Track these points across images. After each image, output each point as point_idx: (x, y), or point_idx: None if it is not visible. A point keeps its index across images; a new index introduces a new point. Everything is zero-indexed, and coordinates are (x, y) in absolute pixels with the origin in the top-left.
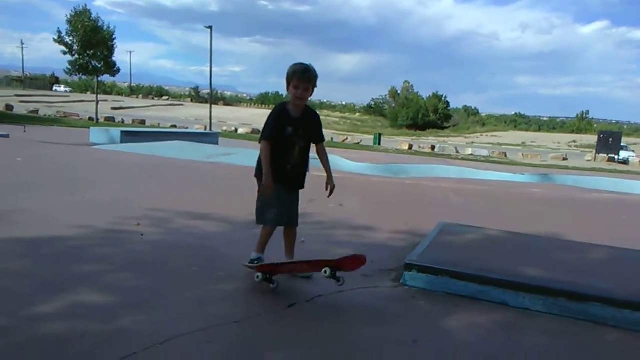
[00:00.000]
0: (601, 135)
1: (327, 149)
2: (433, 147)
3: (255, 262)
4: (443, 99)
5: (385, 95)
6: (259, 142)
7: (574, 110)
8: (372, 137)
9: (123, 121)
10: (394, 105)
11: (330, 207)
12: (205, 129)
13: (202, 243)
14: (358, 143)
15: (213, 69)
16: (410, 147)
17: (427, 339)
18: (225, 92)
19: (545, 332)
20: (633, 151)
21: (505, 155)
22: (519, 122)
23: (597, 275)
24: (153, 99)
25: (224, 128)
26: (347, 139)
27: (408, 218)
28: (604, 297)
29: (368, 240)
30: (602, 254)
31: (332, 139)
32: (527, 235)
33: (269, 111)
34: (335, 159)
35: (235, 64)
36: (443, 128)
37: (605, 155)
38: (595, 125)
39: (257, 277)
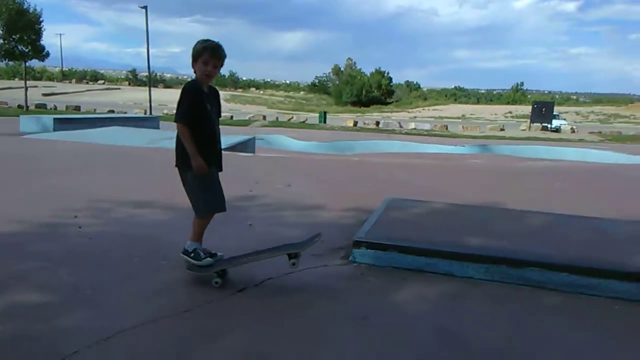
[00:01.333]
0: (535, 106)
1: (274, 129)
2: (377, 123)
3: (192, 255)
4: (386, 75)
5: (329, 73)
6: (176, 123)
7: (509, 82)
8: (317, 115)
9: (56, 108)
10: (337, 82)
11: (277, 187)
12: (145, 113)
13: (145, 232)
14: (303, 122)
15: (151, 51)
16: (355, 123)
17: (377, 314)
18: (165, 74)
19: (489, 299)
20: (564, 119)
21: (447, 128)
22: (458, 95)
23: (536, 242)
24: (87, 83)
25: (165, 111)
26: (292, 117)
27: (355, 195)
28: (542, 262)
29: (317, 220)
30: (540, 221)
31: (277, 118)
32: (470, 206)
33: None
34: (282, 139)
35: (175, 44)
36: (387, 104)
37: (539, 124)
38: (529, 96)
39: (216, 282)
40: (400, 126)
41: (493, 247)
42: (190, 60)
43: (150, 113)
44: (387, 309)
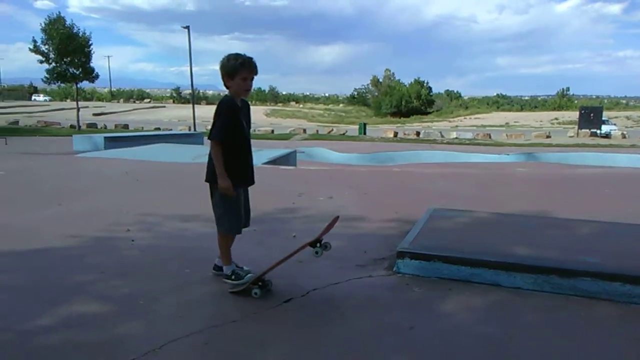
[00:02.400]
0: (582, 111)
1: (314, 141)
2: (418, 133)
3: (233, 277)
4: (425, 84)
5: (368, 85)
6: (210, 139)
7: (554, 87)
8: (357, 127)
9: (105, 127)
10: (376, 94)
11: (320, 200)
12: (189, 129)
13: (194, 245)
14: (343, 134)
15: (193, 69)
16: (396, 134)
17: (423, 325)
18: (207, 92)
19: (539, 310)
20: (615, 125)
21: (490, 137)
22: (501, 103)
23: (586, 251)
24: (134, 102)
25: (208, 127)
26: (332, 130)
27: (398, 206)
28: (593, 271)
29: (359, 231)
30: (590, 229)
31: (317, 131)
32: (516, 215)
33: (253, 108)
34: (322, 151)
35: (216, 62)
36: (427, 113)
37: (588, 130)
38: (575, 102)
39: (255, 293)
40: (442, 136)
41: (541, 256)
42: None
43: (194, 129)
44: (433, 319)
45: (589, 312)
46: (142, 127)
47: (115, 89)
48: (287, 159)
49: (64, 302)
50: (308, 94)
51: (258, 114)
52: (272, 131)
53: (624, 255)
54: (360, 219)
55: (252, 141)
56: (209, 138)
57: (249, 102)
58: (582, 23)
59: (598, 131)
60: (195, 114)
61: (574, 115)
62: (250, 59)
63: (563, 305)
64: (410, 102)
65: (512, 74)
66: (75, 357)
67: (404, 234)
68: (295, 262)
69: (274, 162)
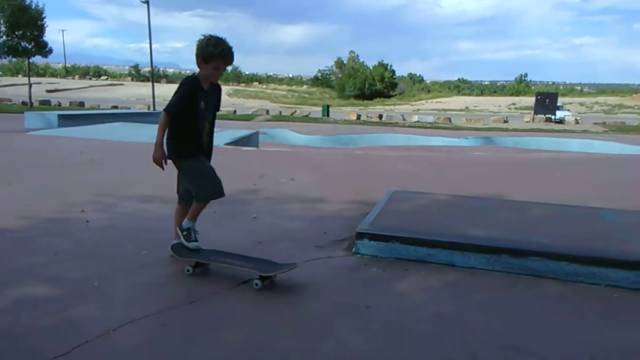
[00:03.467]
0: (538, 97)
1: (277, 123)
2: (380, 116)
3: (184, 232)
4: (389, 67)
5: (332, 66)
6: (165, 112)
7: (513, 73)
8: (320, 109)
9: (60, 104)
10: (340, 76)
11: (281, 181)
12: (149, 108)
13: (151, 226)
14: (307, 115)
15: (153, 46)
16: (359, 117)
17: (379, 304)
18: (168, 70)
19: (490, 288)
20: (569, 110)
21: (450, 121)
22: (462, 87)
23: (537, 232)
24: (90, 79)
25: None
26: (295, 111)
27: (359, 188)
28: (542, 251)
29: (320, 212)
30: (541, 211)
31: (280, 112)
32: (472, 197)
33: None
34: (285, 133)
35: (177, 39)
36: (390, 96)
37: (543, 115)
38: (533, 87)
39: (188, 270)
40: (404, 119)
41: (494, 237)
42: (193, 56)
43: (154, 108)
44: (390, 298)
45: (537, 290)
46: (99, 105)
47: (70, 65)
48: (249, 140)
49: (14, 284)
50: (272, 74)
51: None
52: (235, 112)
53: (571, 236)
54: (321, 201)
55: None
56: (163, 110)
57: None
58: (542, 10)
59: (553, 117)
60: (155, 93)
61: (531, 100)
62: (230, 49)
63: (513, 283)
64: (374, 85)
65: (473, 59)
66: (26, 340)
67: (364, 216)
68: (254, 243)
69: (236, 143)
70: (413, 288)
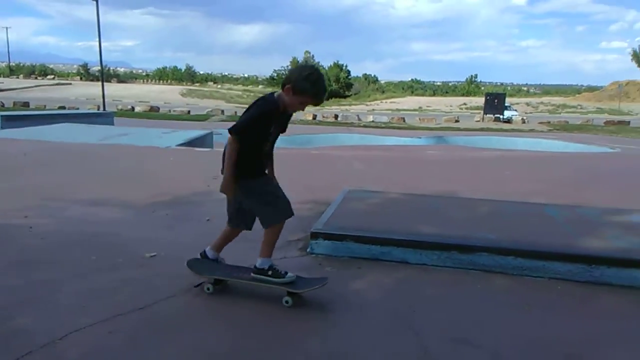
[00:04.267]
0: (487, 97)
1: (231, 123)
2: (336, 116)
3: (269, 272)
4: (344, 68)
5: (288, 66)
6: (229, 132)
7: (464, 74)
8: None
9: (3, 105)
10: None
11: None
12: (98, 108)
13: (101, 231)
14: None
15: (103, 44)
16: (314, 117)
17: (333, 303)
18: (119, 69)
19: (441, 284)
20: (516, 110)
21: (404, 120)
22: (415, 87)
23: (485, 228)
24: (36, 78)
25: (119, 107)
26: None
27: (314, 188)
28: (490, 247)
29: None
30: (490, 208)
31: (236, 112)
32: (425, 195)
33: (168, 87)
34: None
35: (128, 38)
36: (345, 97)
37: (492, 115)
38: (482, 88)
39: (208, 288)
40: (359, 119)
41: (445, 234)
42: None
43: (104, 109)
44: (343, 296)
45: (486, 284)
46: (45, 106)
47: (14, 64)
48: (203, 141)
49: None
50: (227, 74)
51: (173, 94)
52: (189, 112)
53: (518, 232)
54: None
55: (167, 122)
56: (229, 130)
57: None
58: (490, 13)
59: (501, 116)
60: (105, 93)
61: (481, 101)
62: (325, 92)
63: (463, 279)
64: (329, 85)
65: (426, 60)
66: None
67: (319, 215)
68: (208, 246)
69: (189, 143)
70: (366, 286)
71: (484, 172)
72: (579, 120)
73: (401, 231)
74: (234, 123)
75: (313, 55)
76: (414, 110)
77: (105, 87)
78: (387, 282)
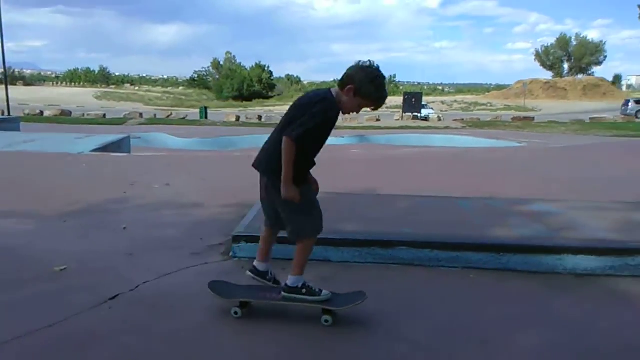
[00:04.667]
0: (406, 97)
1: (152, 126)
2: (260, 117)
3: (303, 290)
4: (266, 68)
5: (209, 67)
6: (288, 137)
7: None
8: (198, 110)
9: None
10: (217, 77)
11: (154, 188)
12: (3, 113)
13: (10, 243)
14: (184, 118)
15: (7, 45)
16: (238, 118)
17: (255, 305)
18: (25, 71)
19: (363, 280)
20: (432, 109)
21: None
22: None
23: (404, 223)
24: None
25: (26, 111)
26: (171, 114)
27: (237, 190)
28: (408, 240)
29: (196, 218)
30: (408, 203)
31: (155, 115)
32: (346, 194)
33: (81, 90)
34: (160, 137)
35: (36, 38)
36: (268, 97)
37: (411, 114)
38: (401, 88)
39: (236, 312)
40: None
41: (365, 231)
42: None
43: (9, 114)
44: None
45: (404, 277)
46: None
47: None
48: (119, 146)
49: None
50: (145, 75)
51: (87, 97)
52: (104, 115)
53: (433, 225)
54: (197, 206)
55: (80, 126)
56: (286, 132)
57: None
58: (406, 15)
59: (419, 115)
60: (10, 96)
61: (400, 100)
62: (387, 97)
63: (383, 274)
64: (252, 86)
65: (347, 60)
66: None
67: (242, 218)
68: (124, 255)
69: (105, 149)
70: None
71: (403, 169)
72: (489, 117)
73: (324, 229)
74: (290, 126)
75: (234, 56)
76: None
77: (10, 91)
78: (309, 281)
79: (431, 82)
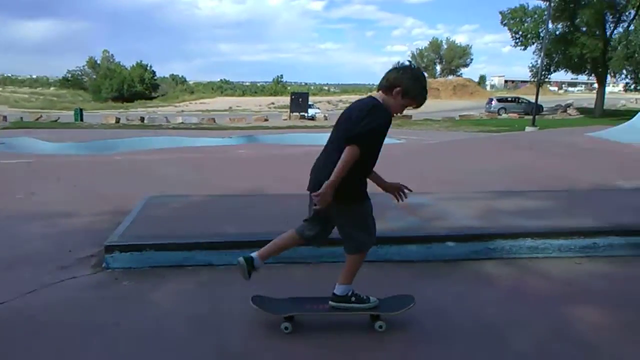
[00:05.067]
0: (293, 97)
1: (18, 130)
2: (142, 119)
3: (352, 298)
4: (149, 68)
5: (84, 67)
6: (347, 142)
7: (270, 74)
8: (72, 112)
9: None
10: (94, 77)
11: (18, 198)
12: None
13: None
14: (56, 121)
15: None
16: (118, 120)
17: (130, 317)
18: None
19: (247, 282)
20: (318, 108)
21: (215, 121)
22: (224, 88)
23: (290, 222)
24: None
25: None
26: (41, 117)
27: (114, 197)
28: None
29: (65, 228)
30: (294, 202)
31: (21, 118)
32: (229, 195)
33: None
34: (28, 141)
35: None
36: (151, 98)
37: (298, 113)
38: (289, 88)
39: (286, 328)
40: (168, 121)
41: (248, 231)
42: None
43: None
44: (141, 310)
45: (288, 275)
46: None
47: None
48: None
49: None
50: (10, 75)
51: None
52: None
53: None
54: (67, 215)
55: None
56: (347, 140)
57: None
58: (291, 16)
59: (306, 114)
60: None
61: (287, 100)
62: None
63: (268, 273)
64: (134, 86)
65: (234, 61)
66: None
67: (116, 227)
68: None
69: None
70: (168, 295)
71: (290, 168)
72: None
73: (205, 234)
74: (348, 127)
75: (113, 55)
76: (225, 110)
77: None
78: (190, 288)
79: (317, 83)
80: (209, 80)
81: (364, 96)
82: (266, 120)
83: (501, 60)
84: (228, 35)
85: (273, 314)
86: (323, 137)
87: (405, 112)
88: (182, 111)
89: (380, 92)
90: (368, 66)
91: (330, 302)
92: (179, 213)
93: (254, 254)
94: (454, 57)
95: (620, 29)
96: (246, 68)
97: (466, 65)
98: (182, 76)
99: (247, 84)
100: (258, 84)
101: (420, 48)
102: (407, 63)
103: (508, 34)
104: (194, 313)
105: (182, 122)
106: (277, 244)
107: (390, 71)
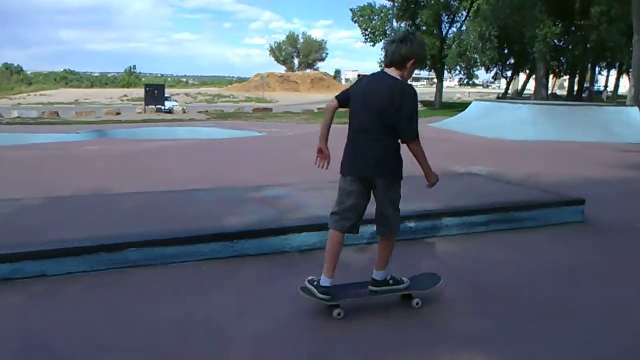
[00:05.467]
0: (147, 89)
1: None
2: None
3: (391, 281)
4: None
5: None
6: (412, 141)
7: (123, 65)
8: None
9: None
10: None
11: None
12: None
13: None
14: None
15: None
16: None
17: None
18: None
19: (84, 291)
20: (176, 101)
21: (58, 115)
22: (69, 79)
23: (135, 222)
24: None
25: None
26: None
27: None
28: (139, 241)
29: None
30: (140, 200)
31: None
32: (72, 197)
33: None
34: None
35: None
36: None
37: (154, 106)
38: (143, 79)
39: (339, 314)
40: (1, 115)
41: (90, 236)
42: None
43: None
44: None
45: (132, 280)
46: None
47: None
48: None
49: None
50: None
51: None
52: None
53: (169, 221)
54: None
55: None
56: (410, 138)
57: None
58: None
59: (163, 107)
60: None
61: (142, 92)
62: None
63: (110, 279)
64: None
65: (80, 49)
66: None
67: None
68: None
69: None
70: None
71: (144, 164)
72: (232, 109)
73: (37, 242)
74: (406, 127)
75: None
76: (70, 103)
77: None
78: (19, 302)
79: (175, 74)
80: (51, 71)
81: (378, 73)
82: (119, 114)
83: (355, 55)
84: (71, 21)
85: (325, 302)
86: (181, 131)
87: (265, 105)
88: (19, 104)
89: (393, 68)
90: (227, 58)
91: (370, 287)
92: (7, 220)
93: (322, 278)
94: (311, 52)
95: (454, 29)
96: (95, 58)
97: (323, 60)
98: (18, 65)
99: (97, 75)
100: (109, 75)
101: (279, 42)
102: (405, 32)
103: (359, 31)
104: (24, 330)
105: (18, 117)
106: (331, 253)
107: (397, 45)
